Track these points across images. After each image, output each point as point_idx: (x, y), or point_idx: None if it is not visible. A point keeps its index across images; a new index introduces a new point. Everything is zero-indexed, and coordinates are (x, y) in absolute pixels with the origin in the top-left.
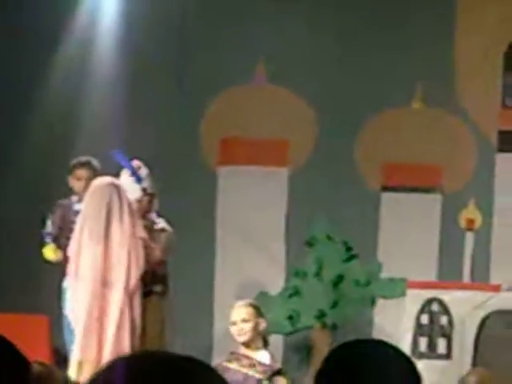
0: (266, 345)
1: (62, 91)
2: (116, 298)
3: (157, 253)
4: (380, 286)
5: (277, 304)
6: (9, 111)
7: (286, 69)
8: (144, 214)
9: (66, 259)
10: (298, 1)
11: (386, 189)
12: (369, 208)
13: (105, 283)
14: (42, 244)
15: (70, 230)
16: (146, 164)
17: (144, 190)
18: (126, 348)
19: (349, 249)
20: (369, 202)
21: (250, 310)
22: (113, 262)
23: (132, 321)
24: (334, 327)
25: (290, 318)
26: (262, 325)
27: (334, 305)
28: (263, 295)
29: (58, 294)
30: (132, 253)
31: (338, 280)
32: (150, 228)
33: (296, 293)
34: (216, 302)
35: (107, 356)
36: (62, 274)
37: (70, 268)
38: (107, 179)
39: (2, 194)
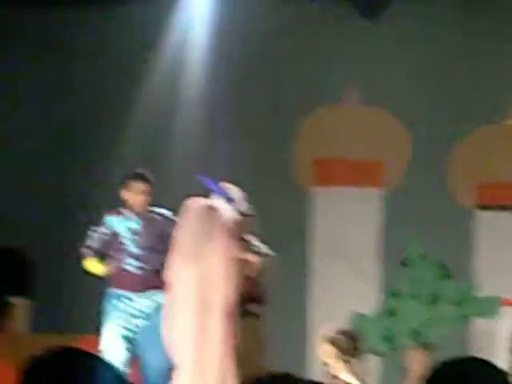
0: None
1: (153, 112)
2: (216, 320)
3: (252, 273)
4: (475, 305)
5: (372, 324)
6: (100, 130)
7: (379, 89)
8: (241, 236)
9: (112, 274)
10: (391, 21)
11: (480, 207)
12: (464, 227)
13: (204, 305)
14: (82, 258)
15: (120, 246)
16: (239, 185)
17: (237, 211)
18: (232, 372)
19: (444, 268)
20: (464, 221)
21: (329, 349)
22: (209, 282)
23: (234, 342)
24: (430, 347)
25: (386, 338)
26: (344, 359)
27: (430, 324)
28: (358, 315)
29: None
30: (226, 273)
31: (433, 299)
32: (246, 249)
33: (391, 313)
34: (310, 323)
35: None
36: (105, 289)
37: (167, 293)
38: (202, 200)
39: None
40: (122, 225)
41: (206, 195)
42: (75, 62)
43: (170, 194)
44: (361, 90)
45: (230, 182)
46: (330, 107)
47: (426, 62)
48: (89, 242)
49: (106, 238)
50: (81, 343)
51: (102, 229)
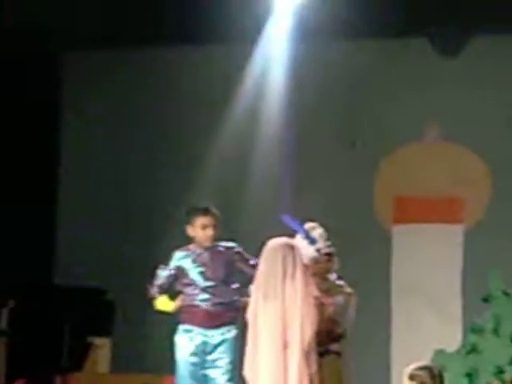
0: None
1: (231, 156)
2: (294, 359)
3: (332, 313)
4: None
5: (455, 361)
6: (176, 174)
7: (459, 125)
8: (323, 275)
9: (183, 310)
10: (470, 57)
11: None
12: None
13: (284, 344)
14: (152, 298)
15: (188, 281)
16: (320, 224)
17: (318, 250)
18: None
19: None
20: None
21: None
22: (288, 321)
23: (310, 381)
24: None
25: (469, 375)
26: None
27: None
28: (440, 353)
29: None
30: (305, 312)
31: None
32: (328, 288)
33: (474, 350)
34: (393, 361)
35: None
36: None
37: (249, 332)
38: (282, 239)
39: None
40: (189, 259)
41: (282, 235)
42: (151, 99)
43: (242, 233)
44: (440, 127)
45: (311, 221)
46: (409, 145)
47: (503, 97)
48: (156, 281)
49: (173, 273)
50: (160, 383)
51: (169, 266)
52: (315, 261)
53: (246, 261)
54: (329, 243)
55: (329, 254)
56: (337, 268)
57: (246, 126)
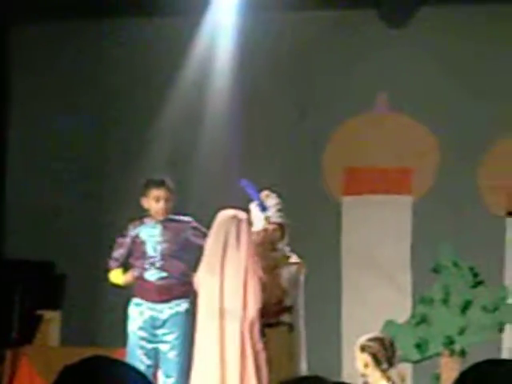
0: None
1: (181, 128)
2: (234, 330)
3: (282, 284)
4: (508, 312)
5: (404, 332)
6: (125, 146)
7: (407, 96)
8: (273, 245)
9: (134, 283)
10: (416, 28)
11: (510, 213)
12: (494, 233)
13: (221, 315)
14: (108, 269)
15: (142, 254)
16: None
17: (267, 218)
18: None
19: (475, 275)
20: (494, 226)
21: (365, 358)
22: (227, 293)
23: (255, 353)
24: (463, 354)
25: (418, 345)
26: (381, 368)
27: (462, 331)
28: (390, 324)
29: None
30: (248, 284)
31: (466, 306)
32: (277, 259)
33: (423, 320)
34: (344, 332)
35: None
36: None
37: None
38: (231, 212)
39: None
40: (144, 233)
41: (234, 206)
42: (104, 71)
43: (195, 204)
44: (390, 98)
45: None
46: (358, 116)
47: (454, 67)
48: (114, 252)
49: (128, 246)
50: (111, 355)
51: (125, 238)
52: (263, 229)
53: (203, 235)
54: (280, 213)
55: (279, 224)
56: (286, 239)
57: (195, 99)
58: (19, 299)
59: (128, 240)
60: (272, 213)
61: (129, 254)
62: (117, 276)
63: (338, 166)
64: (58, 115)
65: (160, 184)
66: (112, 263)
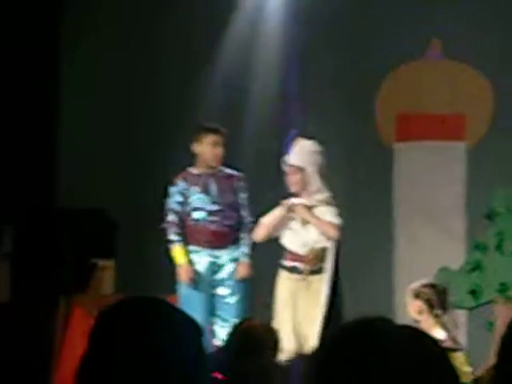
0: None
1: (232, 77)
2: None
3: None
4: None
5: (458, 279)
6: (175, 102)
7: (461, 43)
8: (302, 189)
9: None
10: None
11: None
12: None
13: None
14: (169, 240)
15: (195, 205)
16: (322, 140)
17: (284, 161)
18: None
19: None
20: None
21: (418, 304)
22: None
23: None
24: None
25: (472, 292)
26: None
27: None
28: (444, 270)
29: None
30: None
31: None
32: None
33: (477, 267)
34: (396, 280)
35: None
36: None
37: None
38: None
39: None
40: (193, 185)
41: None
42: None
43: (243, 160)
44: (443, 44)
45: (310, 138)
46: (412, 62)
47: (506, 12)
48: (168, 216)
49: (180, 201)
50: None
51: (174, 195)
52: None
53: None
54: (302, 158)
55: (297, 167)
56: (317, 185)
57: (247, 48)
58: (72, 247)
59: (178, 196)
60: (291, 156)
61: (182, 210)
62: (179, 255)
63: (391, 112)
64: (111, 63)
65: (216, 129)
66: (172, 232)
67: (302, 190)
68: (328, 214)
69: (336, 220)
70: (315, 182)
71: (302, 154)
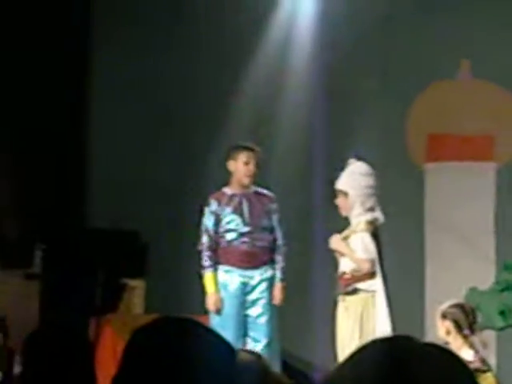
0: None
1: (260, 95)
2: None
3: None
4: None
5: (488, 299)
6: (208, 112)
7: (490, 63)
8: (346, 212)
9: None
10: None
11: None
12: None
13: None
14: (203, 267)
15: (227, 226)
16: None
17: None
18: None
19: None
20: None
21: (446, 325)
22: None
23: None
24: None
25: (502, 312)
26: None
27: None
28: (474, 291)
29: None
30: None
31: None
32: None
33: (507, 287)
34: (427, 299)
35: None
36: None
37: None
38: None
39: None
40: (226, 206)
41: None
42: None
43: (276, 173)
44: (473, 65)
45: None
46: (442, 82)
47: None
48: (203, 240)
49: (213, 221)
50: None
51: (207, 217)
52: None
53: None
54: (345, 181)
55: (339, 190)
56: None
57: (277, 65)
58: (103, 268)
59: (211, 217)
60: (339, 180)
61: (216, 225)
62: (209, 283)
63: (422, 132)
64: (143, 87)
65: (250, 148)
66: (206, 260)
67: (348, 213)
68: (360, 247)
69: (365, 255)
70: (358, 205)
71: (345, 177)
